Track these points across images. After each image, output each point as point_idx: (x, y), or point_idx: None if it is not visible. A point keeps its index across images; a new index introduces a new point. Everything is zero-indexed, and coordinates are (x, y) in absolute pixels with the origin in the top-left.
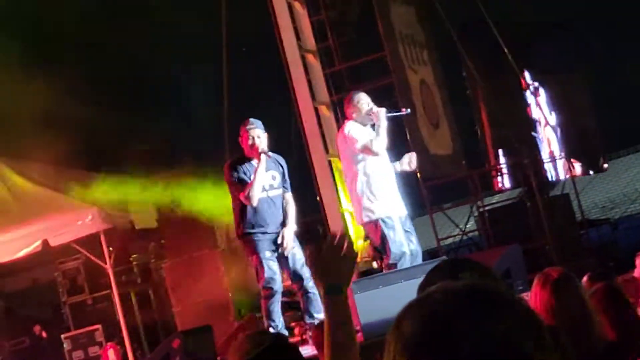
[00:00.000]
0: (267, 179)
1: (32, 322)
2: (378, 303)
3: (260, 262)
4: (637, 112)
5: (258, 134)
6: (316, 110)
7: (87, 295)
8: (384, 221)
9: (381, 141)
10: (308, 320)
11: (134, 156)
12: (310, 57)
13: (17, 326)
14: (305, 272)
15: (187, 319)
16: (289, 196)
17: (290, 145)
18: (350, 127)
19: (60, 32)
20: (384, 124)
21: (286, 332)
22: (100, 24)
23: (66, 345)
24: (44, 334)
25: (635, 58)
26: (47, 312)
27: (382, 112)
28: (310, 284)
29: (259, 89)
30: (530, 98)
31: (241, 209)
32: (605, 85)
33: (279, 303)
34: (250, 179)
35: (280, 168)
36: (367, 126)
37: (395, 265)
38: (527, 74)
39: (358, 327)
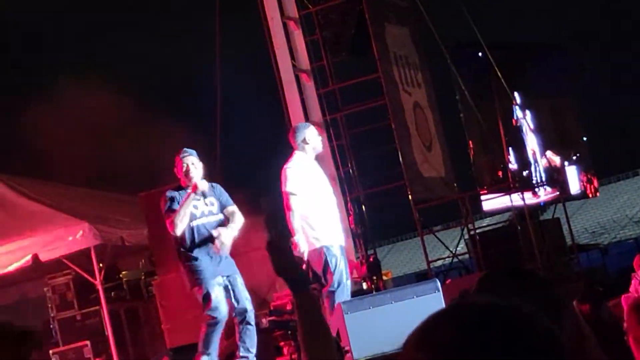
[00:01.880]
0: (205, 207)
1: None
2: (368, 324)
3: (207, 291)
4: (628, 139)
5: (192, 161)
6: None
7: (76, 311)
8: (327, 249)
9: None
10: (242, 353)
11: (125, 173)
12: (304, 77)
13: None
14: (249, 305)
15: (177, 336)
16: (233, 208)
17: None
18: (290, 167)
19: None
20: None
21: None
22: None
23: None
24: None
25: (627, 83)
26: (35, 327)
27: None
28: (252, 315)
29: (251, 108)
30: (522, 121)
31: (182, 238)
32: (597, 110)
33: (219, 332)
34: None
35: (216, 191)
36: (310, 160)
37: (333, 293)
38: (518, 97)
39: (348, 348)
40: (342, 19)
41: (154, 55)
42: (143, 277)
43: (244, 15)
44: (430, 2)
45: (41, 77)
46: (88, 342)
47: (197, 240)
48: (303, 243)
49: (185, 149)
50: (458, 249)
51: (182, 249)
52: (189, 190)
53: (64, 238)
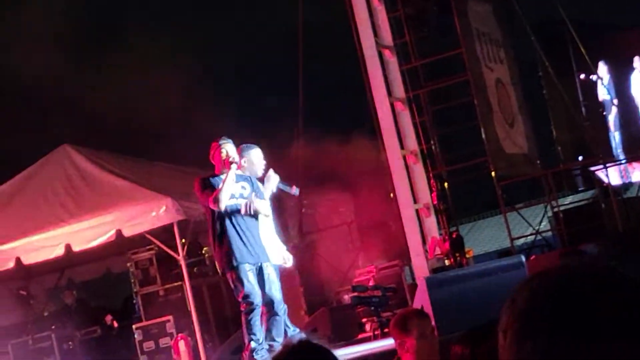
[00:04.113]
0: (236, 189)
1: (104, 311)
2: (452, 299)
3: (239, 276)
4: None
5: (231, 149)
6: (392, 105)
7: (159, 286)
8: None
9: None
10: (269, 342)
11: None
12: (387, 53)
13: (88, 316)
14: (277, 295)
15: None
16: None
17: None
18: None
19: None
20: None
21: (266, 346)
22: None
23: (137, 336)
24: (115, 324)
25: None
26: (118, 303)
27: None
28: (279, 307)
29: (334, 84)
30: (606, 98)
31: (214, 221)
32: None
33: (259, 316)
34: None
35: (251, 181)
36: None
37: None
38: (602, 74)
39: (432, 323)
40: None
41: (238, 34)
42: None
43: None
44: None
45: (124, 54)
46: (171, 317)
47: (232, 221)
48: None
49: (224, 136)
50: (541, 226)
51: (216, 230)
52: (222, 176)
53: (147, 213)
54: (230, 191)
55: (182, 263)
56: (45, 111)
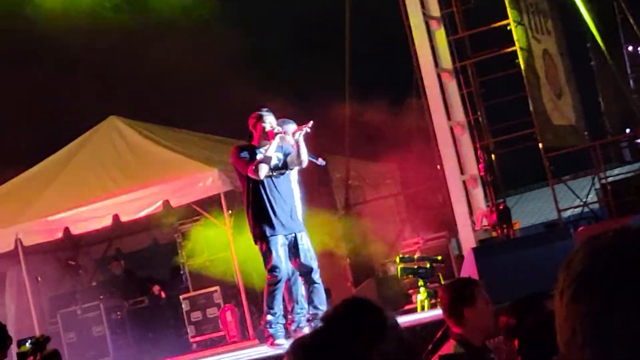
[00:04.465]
0: (273, 160)
1: (151, 282)
2: (499, 270)
3: (269, 247)
4: None
5: (274, 121)
6: (439, 76)
7: (206, 256)
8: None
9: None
10: (312, 311)
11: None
12: (433, 24)
13: (136, 286)
14: (314, 264)
15: None
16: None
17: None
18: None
19: None
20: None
21: (283, 320)
22: None
23: (184, 306)
24: (162, 294)
25: None
26: (165, 273)
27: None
28: (316, 276)
29: (381, 55)
30: None
31: (249, 190)
32: None
33: (282, 291)
34: (257, 158)
35: (283, 152)
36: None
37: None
38: None
39: None
40: None
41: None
42: None
43: None
44: None
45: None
46: (218, 288)
47: (267, 192)
48: None
49: (266, 108)
50: (588, 198)
51: (250, 200)
52: (261, 149)
53: (194, 184)
54: (271, 161)
55: (229, 234)
56: (92, 83)
